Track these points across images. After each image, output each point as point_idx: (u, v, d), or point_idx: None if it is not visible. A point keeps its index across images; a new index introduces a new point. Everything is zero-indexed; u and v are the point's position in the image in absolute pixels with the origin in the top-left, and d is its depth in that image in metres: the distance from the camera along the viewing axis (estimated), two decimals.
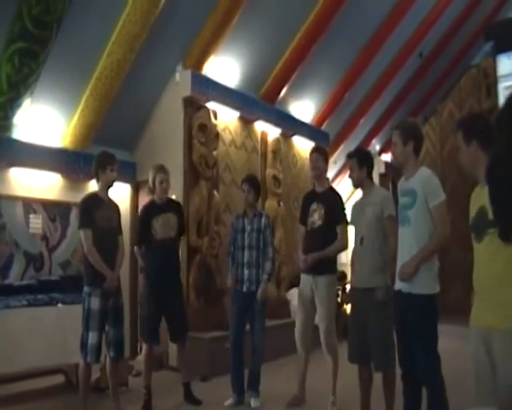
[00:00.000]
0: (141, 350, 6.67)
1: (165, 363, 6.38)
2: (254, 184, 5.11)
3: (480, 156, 2.63)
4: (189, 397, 4.89)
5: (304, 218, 4.83)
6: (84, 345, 4.26)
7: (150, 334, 4.85)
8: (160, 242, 4.78)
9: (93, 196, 4.47)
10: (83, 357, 4.27)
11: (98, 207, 4.34)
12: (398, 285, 3.47)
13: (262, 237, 4.94)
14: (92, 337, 4.22)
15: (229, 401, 4.86)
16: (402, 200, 3.51)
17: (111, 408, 4.50)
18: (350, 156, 4.31)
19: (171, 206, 4.93)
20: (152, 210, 4.86)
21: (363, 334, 3.99)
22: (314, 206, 4.71)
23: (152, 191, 4.97)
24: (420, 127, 3.90)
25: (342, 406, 4.63)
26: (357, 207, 4.28)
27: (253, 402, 4.82)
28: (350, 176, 4.32)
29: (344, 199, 5.17)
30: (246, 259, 4.92)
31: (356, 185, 4.33)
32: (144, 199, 6.96)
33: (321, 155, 4.83)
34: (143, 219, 4.91)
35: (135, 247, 5.10)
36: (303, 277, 4.79)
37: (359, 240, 4.14)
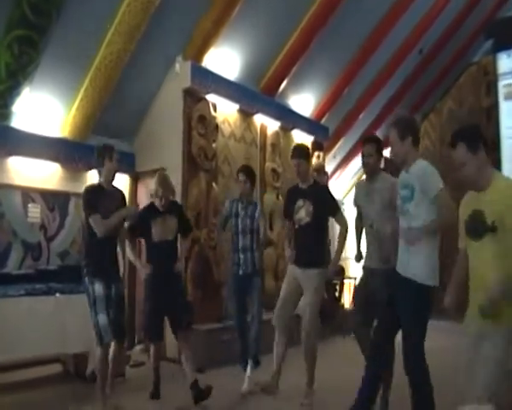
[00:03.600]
0: (138, 342, 6.75)
1: (162, 354, 6.38)
2: (250, 175, 5.16)
3: (486, 162, 2.75)
4: (198, 395, 4.65)
5: (288, 213, 4.83)
6: (97, 330, 4.23)
7: (154, 334, 4.86)
8: (157, 244, 4.76)
9: (96, 187, 4.44)
10: (98, 343, 4.23)
11: (101, 198, 4.32)
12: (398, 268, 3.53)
13: (256, 224, 5.08)
14: (103, 319, 4.21)
15: (244, 387, 4.95)
16: (402, 192, 3.54)
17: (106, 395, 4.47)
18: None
19: (171, 209, 4.86)
20: (151, 212, 4.82)
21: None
22: (300, 202, 4.67)
23: (152, 197, 4.90)
24: (415, 120, 3.93)
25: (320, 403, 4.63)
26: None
27: (249, 370, 4.98)
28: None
29: (343, 193, 5.21)
30: (241, 244, 5.07)
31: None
32: (143, 190, 6.98)
33: (302, 157, 4.78)
34: (142, 218, 4.81)
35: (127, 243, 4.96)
36: (290, 266, 4.79)
37: (369, 226, 4.27)
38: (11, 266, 5.66)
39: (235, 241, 5.10)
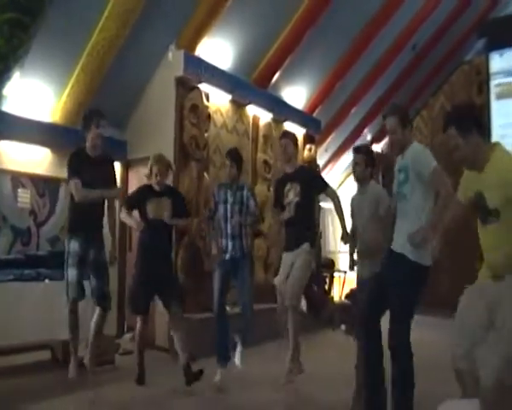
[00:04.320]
0: (128, 330, 6.73)
1: (151, 342, 6.36)
2: (236, 158, 5.14)
3: (480, 142, 2.73)
4: (191, 376, 4.73)
5: (278, 201, 4.90)
6: (66, 285, 4.29)
7: (139, 305, 4.88)
8: (151, 221, 4.78)
9: (80, 152, 4.41)
10: (67, 298, 4.28)
11: (84, 163, 4.31)
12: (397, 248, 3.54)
13: (246, 208, 5.03)
14: (72, 275, 4.26)
15: (216, 378, 4.87)
16: (398, 176, 3.59)
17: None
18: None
19: (166, 191, 4.94)
20: (148, 192, 4.89)
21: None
22: (288, 186, 4.79)
23: (149, 178, 4.96)
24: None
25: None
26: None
27: (237, 358, 4.93)
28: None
29: (334, 187, 5.27)
30: (229, 231, 5.02)
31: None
32: (134, 177, 6.96)
33: (290, 138, 4.93)
34: (138, 194, 4.94)
35: (121, 210, 5.00)
36: (284, 255, 4.84)
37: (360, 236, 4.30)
38: (0, 252, 5.61)
39: (223, 227, 5.07)
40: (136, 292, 4.91)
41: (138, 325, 4.93)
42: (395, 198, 3.67)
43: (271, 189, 8.20)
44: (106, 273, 4.50)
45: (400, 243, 3.48)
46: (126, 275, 6.82)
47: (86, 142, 4.38)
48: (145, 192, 4.88)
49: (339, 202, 4.74)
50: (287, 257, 4.78)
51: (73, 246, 4.30)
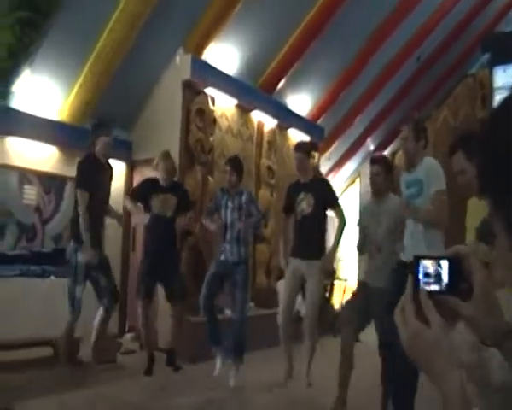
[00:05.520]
0: (129, 329, 6.75)
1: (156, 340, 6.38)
2: (237, 166, 5.16)
3: None
4: (171, 362, 5.00)
5: (289, 207, 4.93)
6: (71, 298, 4.47)
7: (140, 290, 4.98)
8: (155, 217, 4.86)
9: (92, 158, 4.58)
10: (70, 308, 4.48)
11: (94, 170, 4.44)
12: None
13: (248, 213, 5.04)
14: (79, 291, 4.45)
15: (217, 369, 4.93)
16: (408, 192, 3.60)
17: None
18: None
19: (173, 187, 5.04)
20: (153, 186, 4.98)
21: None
22: (301, 195, 4.79)
23: (157, 169, 5.08)
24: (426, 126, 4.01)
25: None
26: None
27: (232, 380, 4.85)
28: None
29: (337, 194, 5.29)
30: (229, 236, 5.03)
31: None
32: (139, 178, 6.99)
33: (302, 152, 4.90)
34: (144, 186, 5.06)
35: (126, 198, 5.13)
36: (292, 260, 4.85)
37: (375, 249, 4.25)
38: (5, 247, 5.64)
39: (223, 232, 5.10)
40: (139, 279, 5.03)
41: (140, 308, 4.98)
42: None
43: (274, 194, 8.28)
44: (110, 268, 4.72)
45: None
46: (129, 275, 6.84)
47: (96, 147, 4.52)
48: (150, 186, 4.97)
49: (343, 224, 4.75)
50: (294, 265, 4.79)
51: (80, 258, 4.44)
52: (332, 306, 9.31)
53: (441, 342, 0.78)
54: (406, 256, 3.58)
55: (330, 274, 9.07)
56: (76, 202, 4.54)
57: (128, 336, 6.60)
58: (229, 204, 5.07)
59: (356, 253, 4.74)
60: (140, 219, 4.85)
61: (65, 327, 4.58)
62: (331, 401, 4.17)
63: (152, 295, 5.06)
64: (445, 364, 0.77)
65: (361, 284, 4.51)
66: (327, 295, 9.37)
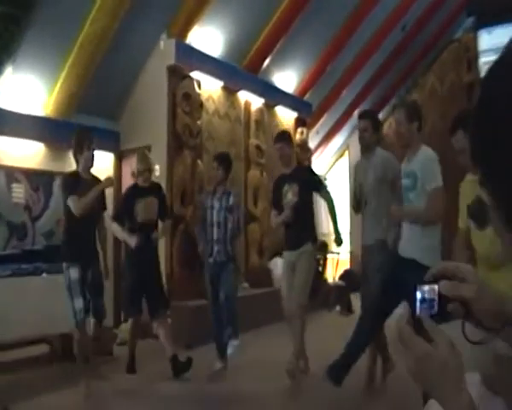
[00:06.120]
0: (124, 319, 6.78)
1: (148, 332, 6.43)
2: (224, 162, 5.11)
3: None
4: (177, 369, 4.84)
5: (277, 201, 4.89)
6: (73, 313, 4.35)
7: (132, 306, 4.98)
8: (140, 224, 4.83)
9: (74, 175, 4.49)
10: (75, 325, 4.37)
11: (78, 185, 4.35)
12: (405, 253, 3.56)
13: (231, 217, 5.00)
14: (78, 302, 4.34)
15: (217, 366, 4.96)
16: (404, 182, 3.57)
17: (94, 376, 4.55)
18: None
19: (153, 189, 4.98)
20: (135, 193, 4.91)
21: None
22: (286, 187, 4.77)
23: (135, 176, 5.00)
24: (420, 106, 3.94)
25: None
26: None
27: (229, 349, 4.90)
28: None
29: (325, 169, 5.26)
30: (215, 236, 5.01)
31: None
32: (127, 168, 6.94)
33: (283, 141, 4.86)
34: (126, 200, 4.98)
35: (113, 223, 5.05)
36: (286, 254, 4.88)
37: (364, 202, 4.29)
38: None
39: (209, 232, 5.06)
40: (128, 298, 5.04)
41: (130, 326, 5.02)
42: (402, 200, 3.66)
43: (264, 174, 8.27)
44: (102, 287, 4.64)
45: (411, 250, 3.47)
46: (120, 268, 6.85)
47: (79, 164, 4.44)
48: (131, 196, 4.90)
49: (333, 205, 4.77)
50: (289, 257, 4.80)
51: (73, 275, 4.36)
52: (325, 280, 9.42)
53: (450, 362, 0.77)
54: (402, 251, 3.60)
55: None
56: (67, 217, 4.45)
57: (123, 326, 6.63)
58: (216, 204, 5.03)
59: (351, 214, 4.70)
60: (130, 242, 4.78)
61: (75, 339, 4.49)
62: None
63: (142, 309, 5.02)
64: (454, 385, 0.76)
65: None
66: (320, 269, 9.48)
